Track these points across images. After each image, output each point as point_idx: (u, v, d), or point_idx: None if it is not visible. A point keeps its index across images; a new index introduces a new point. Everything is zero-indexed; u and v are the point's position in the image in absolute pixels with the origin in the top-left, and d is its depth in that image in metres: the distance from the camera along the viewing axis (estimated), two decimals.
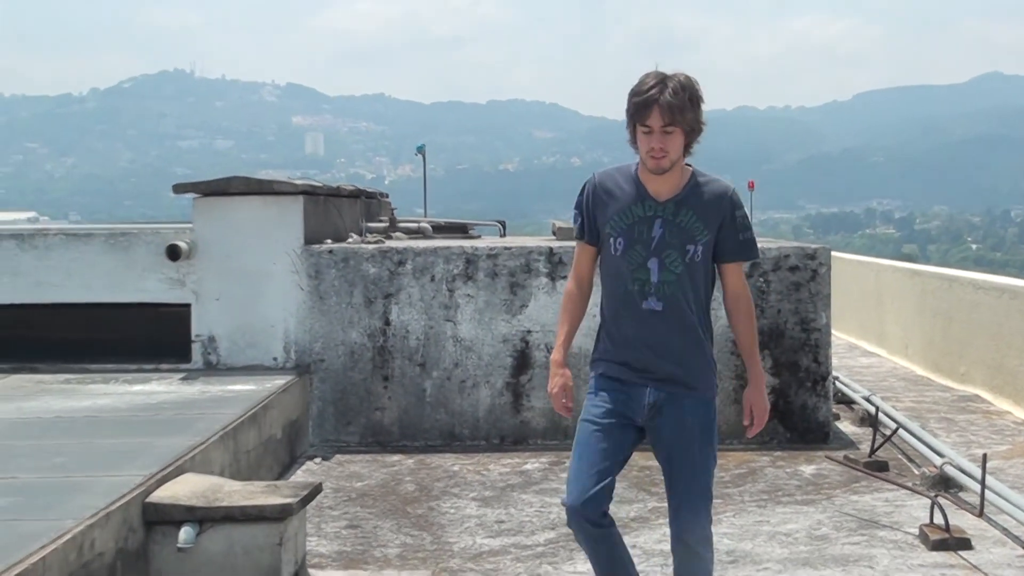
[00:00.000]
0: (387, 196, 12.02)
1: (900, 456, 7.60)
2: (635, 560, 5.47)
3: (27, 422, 6.39)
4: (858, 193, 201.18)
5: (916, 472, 7.13)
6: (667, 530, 4.06)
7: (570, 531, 4.04)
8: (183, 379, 7.80)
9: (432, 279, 8.11)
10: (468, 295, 8.10)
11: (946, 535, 5.62)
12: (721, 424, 7.76)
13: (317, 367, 8.11)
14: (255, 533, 4.89)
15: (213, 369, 8.10)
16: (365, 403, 8.12)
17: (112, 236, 8.24)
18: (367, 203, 10.46)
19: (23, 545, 3.96)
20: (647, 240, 3.86)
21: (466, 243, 8.59)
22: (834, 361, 8.50)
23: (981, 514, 6.10)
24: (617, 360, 3.95)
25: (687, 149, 3.85)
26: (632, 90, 3.80)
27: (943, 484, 6.67)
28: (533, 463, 7.54)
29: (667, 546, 4.23)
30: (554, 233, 9.69)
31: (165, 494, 4.96)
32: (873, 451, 7.49)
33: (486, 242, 8.95)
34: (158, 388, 7.48)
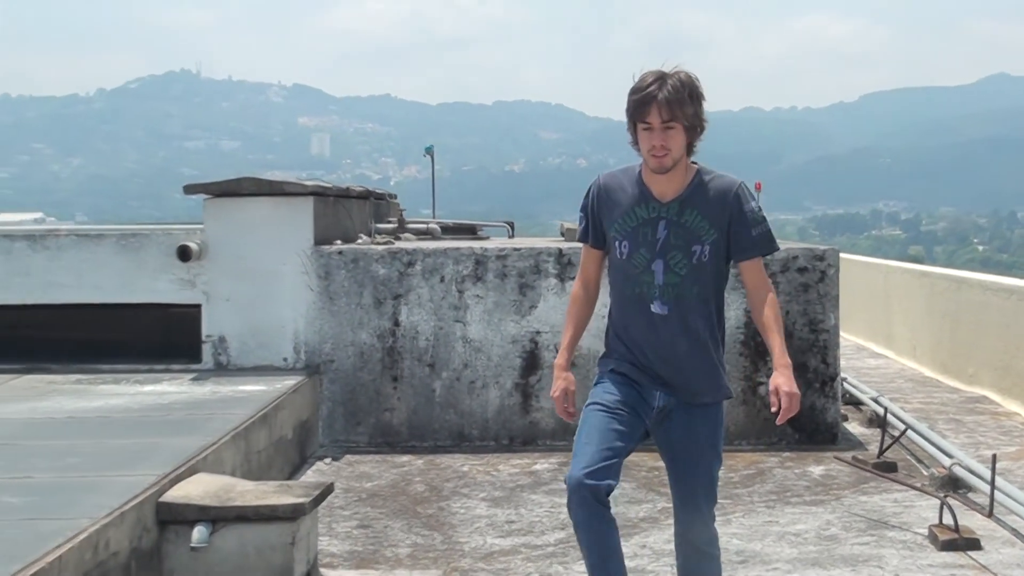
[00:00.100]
0: (395, 197, 12.05)
1: (909, 457, 7.62)
2: (645, 560, 5.53)
3: (40, 422, 6.43)
4: (864, 194, 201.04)
5: (925, 473, 7.14)
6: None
7: None
8: (194, 379, 7.83)
9: (442, 280, 8.14)
10: (477, 296, 8.13)
11: (955, 535, 5.63)
12: (729, 425, 7.81)
13: (327, 368, 8.14)
14: (268, 533, 4.92)
15: (223, 369, 8.13)
16: (374, 404, 8.15)
17: (123, 237, 8.27)
18: (376, 204, 10.50)
19: (40, 544, 3.99)
20: (652, 242, 3.80)
21: (475, 244, 8.62)
22: (842, 362, 8.52)
23: (991, 514, 6.12)
24: (627, 359, 3.89)
25: (690, 148, 3.78)
26: (631, 88, 3.74)
27: (952, 485, 6.68)
28: (543, 464, 7.56)
29: None
30: (562, 234, 9.72)
31: (178, 494, 5.00)
32: (882, 452, 7.50)
33: (495, 243, 8.98)
34: (169, 388, 7.51)
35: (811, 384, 7.98)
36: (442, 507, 6.57)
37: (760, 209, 3.89)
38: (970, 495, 6.54)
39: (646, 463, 7.09)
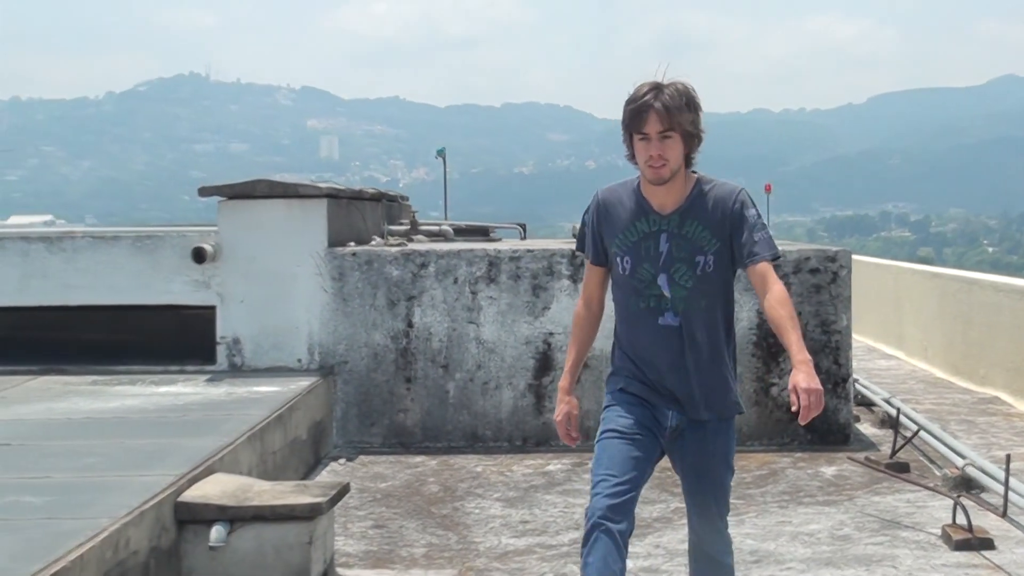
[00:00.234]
0: (407, 199, 12.09)
1: (921, 458, 7.63)
2: (659, 559, 5.56)
3: (58, 423, 6.47)
4: (873, 196, 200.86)
5: (937, 473, 7.15)
6: None
7: None
8: (208, 380, 7.87)
9: (455, 281, 8.17)
10: (491, 297, 8.16)
11: (969, 535, 5.64)
12: (742, 426, 7.86)
13: (341, 369, 8.18)
14: (285, 532, 4.95)
15: (238, 371, 8.17)
16: (388, 404, 8.18)
17: (138, 239, 8.32)
18: (388, 206, 10.54)
19: (61, 543, 4.03)
20: (654, 256, 3.72)
21: (488, 246, 8.65)
22: (853, 363, 8.53)
23: (1004, 515, 6.13)
24: (637, 378, 3.82)
25: (689, 159, 3.70)
26: (627, 99, 3.64)
27: (965, 485, 6.70)
28: (556, 464, 7.59)
29: None
30: (574, 235, 9.72)
31: (196, 494, 5.03)
32: (894, 452, 7.51)
33: (508, 245, 9.01)
34: (184, 389, 7.55)
35: (823, 385, 7.94)
36: (456, 507, 6.61)
37: (760, 216, 3.77)
38: (983, 495, 6.55)
39: (659, 464, 7.10)
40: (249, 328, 8.22)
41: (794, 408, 3.46)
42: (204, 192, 8.47)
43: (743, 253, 3.70)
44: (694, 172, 3.77)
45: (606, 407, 3.87)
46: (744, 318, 7.93)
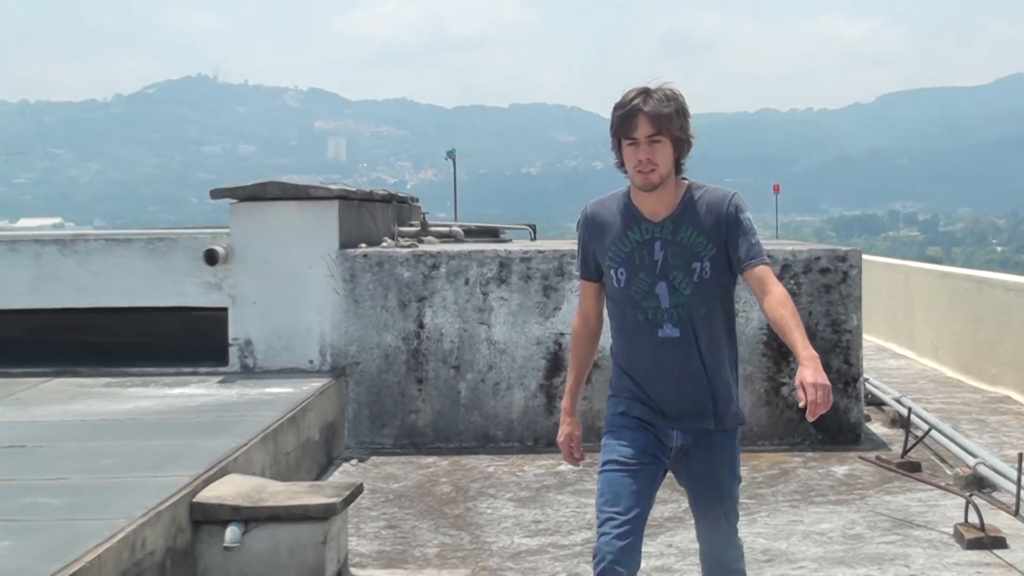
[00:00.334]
0: (417, 200, 12.12)
1: (932, 457, 7.64)
2: (672, 559, 5.58)
3: (73, 424, 6.52)
4: (881, 196, 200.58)
5: (949, 473, 7.16)
6: None
7: None
8: (221, 382, 7.91)
9: (466, 282, 8.20)
10: (502, 298, 8.18)
11: (981, 534, 5.65)
12: (752, 426, 7.89)
13: (352, 370, 8.21)
14: (300, 532, 4.99)
15: (250, 372, 8.21)
16: (400, 405, 8.21)
17: (151, 241, 8.36)
18: (398, 207, 10.56)
19: (80, 543, 4.07)
20: (650, 265, 3.62)
21: (499, 247, 8.68)
22: (863, 363, 8.54)
23: (1016, 513, 6.14)
24: (638, 399, 3.71)
25: (679, 166, 3.62)
26: (615, 105, 3.58)
27: (976, 484, 6.70)
28: (568, 464, 7.57)
29: None
30: None
31: (211, 494, 5.07)
32: (906, 451, 7.52)
33: (519, 245, 9.04)
34: (197, 391, 7.59)
35: (834, 385, 7.91)
36: (469, 507, 6.63)
37: (752, 221, 3.67)
38: (995, 494, 6.55)
39: None
40: (261, 330, 8.26)
41: (802, 404, 3.34)
42: (216, 194, 8.50)
43: (740, 257, 3.62)
44: (684, 179, 3.69)
45: (607, 432, 3.78)
46: (755, 318, 7.94)
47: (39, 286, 8.33)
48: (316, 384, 7.74)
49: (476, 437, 8.18)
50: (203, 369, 8.24)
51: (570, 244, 9.14)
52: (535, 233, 12.61)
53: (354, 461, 7.81)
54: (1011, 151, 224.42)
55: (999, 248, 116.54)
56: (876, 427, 8.73)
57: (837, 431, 8.03)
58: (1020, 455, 6.34)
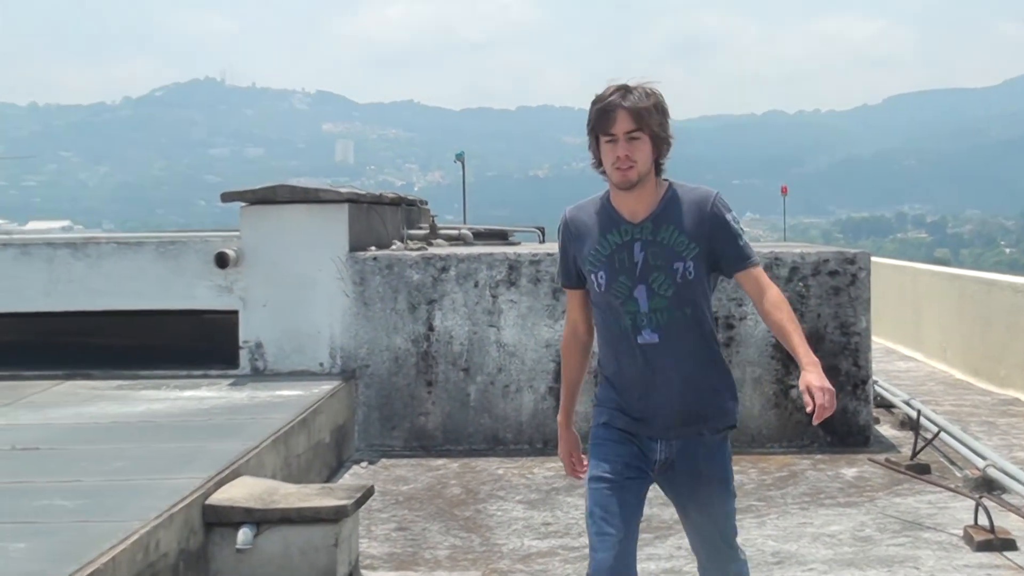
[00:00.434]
0: (426, 203, 12.15)
1: (942, 459, 7.64)
2: (681, 561, 5.59)
3: (86, 427, 6.55)
4: (889, 197, 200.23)
5: (958, 475, 7.17)
6: None
7: None
8: (232, 385, 7.94)
9: (475, 285, 8.22)
10: (511, 300, 8.21)
11: (991, 536, 5.66)
12: (761, 428, 7.90)
13: (362, 372, 8.24)
14: (311, 534, 5.02)
15: (260, 375, 8.25)
16: (409, 408, 8.24)
17: (162, 244, 8.41)
18: (407, 210, 10.59)
19: (94, 545, 4.10)
20: (630, 268, 3.50)
21: (508, 249, 8.70)
22: (872, 365, 8.55)
23: None
24: (622, 410, 3.61)
25: (659, 166, 3.53)
26: (593, 100, 3.50)
27: (986, 486, 6.71)
28: None
29: None
30: None
31: (223, 496, 5.10)
32: (915, 454, 7.52)
33: (528, 248, 9.06)
34: (208, 394, 7.63)
35: (843, 387, 8.02)
36: (479, 509, 6.65)
37: (738, 220, 3.59)
38: (1004, 496, 6.56)
39: None
40: (271, 332, 8.29)
41: (808, 409, 3.31)
42: (226, 197, 8.54)
43: (732, 259, 3.54)
44: (666, 179, 3.59)
45: (591, 444, 3.70)
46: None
47: (51, 289, 8.38)
48: (326, 387, 7.77)
49: (486, 439, 8.20)
50: (214, 372, 8.28)
51: None
52: (544, 235, 12.62)
53: (364, 463, 7.84)
54: (1020, 152, 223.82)
55: (1008, 250, 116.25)
56: (885, 429, 8.73)
57: (846, 433, 8.04)
58: None
